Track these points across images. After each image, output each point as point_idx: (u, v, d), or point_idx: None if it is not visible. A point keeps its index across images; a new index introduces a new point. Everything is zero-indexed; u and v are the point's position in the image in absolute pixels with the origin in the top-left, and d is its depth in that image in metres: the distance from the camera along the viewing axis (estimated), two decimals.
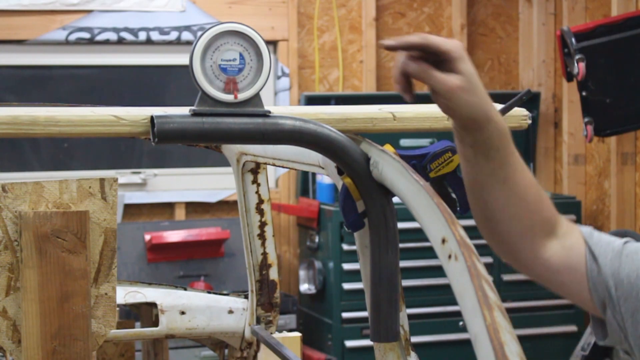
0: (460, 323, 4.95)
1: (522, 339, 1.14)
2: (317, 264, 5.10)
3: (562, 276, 1.53)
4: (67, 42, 5.22)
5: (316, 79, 5.60)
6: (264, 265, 2.34)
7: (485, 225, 1.54)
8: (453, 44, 1.36)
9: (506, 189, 1.48)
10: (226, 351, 2.50)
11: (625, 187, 5.04)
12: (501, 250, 1.57)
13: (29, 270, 1.65)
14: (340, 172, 1.52)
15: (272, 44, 5.46)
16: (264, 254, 2.34)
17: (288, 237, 5.54)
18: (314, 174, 5.36)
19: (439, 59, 1.37)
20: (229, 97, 1.45)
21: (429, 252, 4.35)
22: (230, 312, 2.40)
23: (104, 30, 5.24)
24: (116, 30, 5.26)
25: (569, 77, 4.68)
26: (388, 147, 1.48)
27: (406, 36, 1.37)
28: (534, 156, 5.71)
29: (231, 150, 2.27)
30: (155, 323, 2.36)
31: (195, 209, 5.46)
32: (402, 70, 1.38)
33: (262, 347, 2.36)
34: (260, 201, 2.30)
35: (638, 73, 4.59)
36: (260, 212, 2.31)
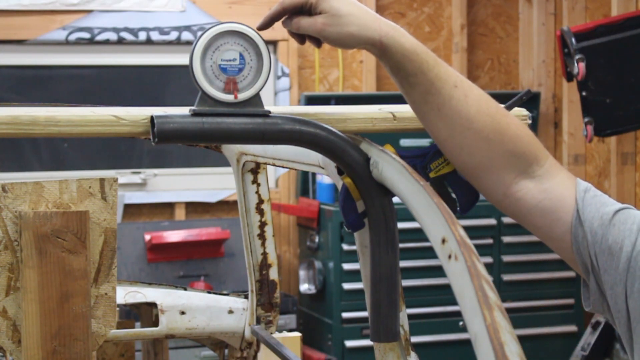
0: (460, 323, 4.95)
1: (522, 339, 1.14)
2: (317, 264, 5.10)
3: (534, 219, 1.49)
4: (67, 42, 5.22)
5: (316, 79, 5.60)
6: (264, 265, 2.34)
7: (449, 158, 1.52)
8: None
9: (443, 117, 1.46)
10: (226, 351, 2.50)
11: (625, 187, 5.04)
12: (472, 183, 1.53)
13: (29, 270, 1.65)
14: (340, 172, 1.52)
15: (272, 44, 5.46)
16: (264, 254, 2.34)
17: (288, 237, 5.54)
18: (314, 174, 5.36)
19: (310, 10, 1.47)
20: (229, 97, 1.45)
21: (429, 252, 4.36)
22: (230, 312, 2.40)
23: (104, 30, 5.24)
24: (116, 30, 5.26)
25: (569, 77, 4.67)
26: (388, 147, 1.48)
27: (269, 11, 1.48)
28: None
29: (231, 150, 2.27)
30: (155, 323, 2.36)
31: (195, 209, 5.46)
32: (289, 30, 1.51)
33: (262, 347, 2.36)
34: (260, 201, 2.30)
35: (638, 73, 4.59)
36: (260, 212, 2.31)
